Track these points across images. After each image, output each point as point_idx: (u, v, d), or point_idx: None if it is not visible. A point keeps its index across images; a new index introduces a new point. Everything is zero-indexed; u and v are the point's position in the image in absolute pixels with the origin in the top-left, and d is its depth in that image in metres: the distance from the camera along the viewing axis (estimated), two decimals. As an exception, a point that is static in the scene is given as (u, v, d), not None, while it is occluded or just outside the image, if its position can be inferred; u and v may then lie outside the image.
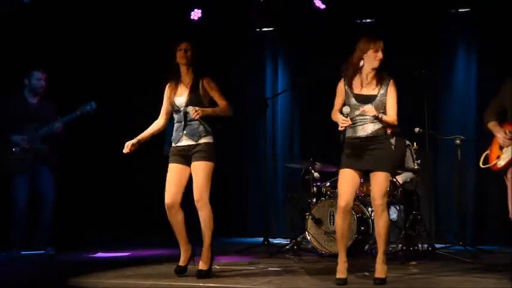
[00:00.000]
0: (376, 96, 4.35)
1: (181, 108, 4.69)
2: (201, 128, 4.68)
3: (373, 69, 4.39)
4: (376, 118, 4.28)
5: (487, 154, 4.34)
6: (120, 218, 7.21)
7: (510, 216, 4.09)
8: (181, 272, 4.68)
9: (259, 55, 8.05)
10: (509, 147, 4.12)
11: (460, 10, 7.00)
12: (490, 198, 6.74)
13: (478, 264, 5.30)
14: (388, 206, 5.98)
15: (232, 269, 5.09)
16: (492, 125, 4.27)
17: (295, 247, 6.06)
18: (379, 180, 4.33)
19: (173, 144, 4.75)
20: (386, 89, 4.36)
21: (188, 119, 4.67)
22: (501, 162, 4.17)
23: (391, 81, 4.39)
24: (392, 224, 6.06)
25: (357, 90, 4.41)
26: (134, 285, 4.48)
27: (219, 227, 7.42)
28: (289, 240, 6.47)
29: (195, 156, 4.65)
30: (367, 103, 4.31)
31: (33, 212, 6.02)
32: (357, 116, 4.38)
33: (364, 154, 4.35)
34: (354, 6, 7.13)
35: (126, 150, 4.72)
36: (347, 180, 4.38)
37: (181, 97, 4.71)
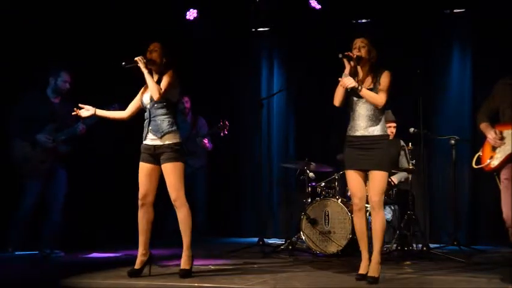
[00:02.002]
0: (372, 89, 4.43)
1: (147, 105, 4.74)
2: (165, 123, 4.69)
3: (366, 66, 4.48)
4: (356, 89, 4.36)
5: (480, 155, 4.37)
6: (115, 218, 7.19)
7: (503, 216, 4.11)
8: (134, 274, 4.67)
9: (254, 55, 8.06)
10: (502, 148, 4.14)
11: (454, 10, 7.02)
12: (484, 198, 6.77)
13: (472, 264, 5.33)
14: (383, 206, 6.04)
15: (227, 269, 5.10)
16: (484, 126, 4.30)
17: (290, 247, 6.07)
18: (377, 179, 4.41)
19: (143, 141, 4.79)
20: (379, 79, 4.44)
21: (152, 115, 4.71)
22: (494, 163, 4.19)
23: (385, 72, 4.47)
24: (387, 224, 6.10)
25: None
26: (128, 285, 4.48)
27: (213, 227, 7.54)
28: (284, 240, 6.49)
29: (162, 158, 4.69)
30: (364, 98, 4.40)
31: (41, 213, 6.04)
32: (356, 112, 4.46)
33: (362, 154, 4.43)
34: (349, 6, 7.15)
35: (79, 111, 4.87)
36: (353, 180, 4.51)
37: (147, 94, 4.76)
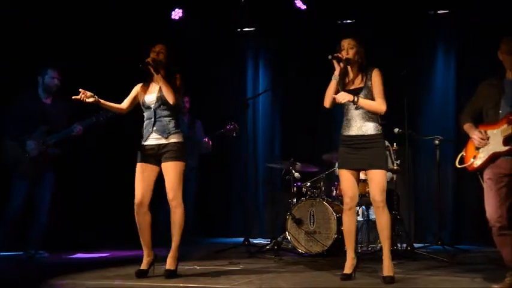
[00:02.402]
0: (362, 88, 4.46)
1: (152, 106, 4.72)
2: (171, 124, 4.71)
3: (355, 66, 4.51)
4: (352, 102, 4.38)
5: (463, 154, 4.40)
6: (100, 218, 7.17)
7: (487, 216, 4.14)
8: (142, 274, 4.68)
9: (240, 55, 8.07)
10: (485, 148, 4.17)
11: (439, 12, 7.07)
12: (468, 198, 6.83)
13: (456, 263, 5.37)
14: (368, 206, 6.07)
15: (213, 269, 5.10)
16: (468, 127, 4.33)
17: (276, 247, 6.08)
18: (377, 178, 4.43)
19: (142, 142, 4.76)
20: (370, 78, 4.47)
21: (158, 116, 4.70)
22: (477, 162, 4.21)
23: (375, 70, 4.50)
24: (371, 224, 6.15)
25: (346, 87, 4.53)
26: (114, 286, 4.46)
27: (200, 227, 7.53)
28: (269, 240, 6.50)
29: (165, 156, 4.68)
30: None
31: (28, 214, 6.01)
32: (349, 112, 4.50)
33: (358, 153, 4.45)
34: (334, 7, 7.18)
35: (80, 96, 4.68)
36: (347, 179, 4.52)
37: (151, 94, 4.75)
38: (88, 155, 7.20)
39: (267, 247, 6.23)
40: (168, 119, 4.71)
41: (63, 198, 6.78)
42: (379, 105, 4.43)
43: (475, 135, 4.20)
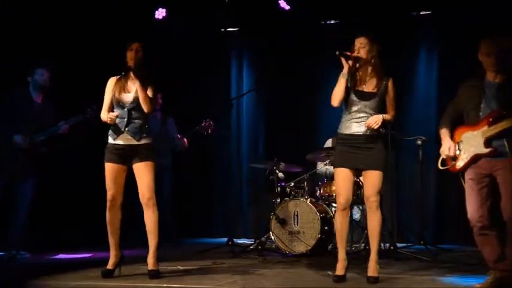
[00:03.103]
0: (375, 94, 4.43)
1: (127, 105, 4.70)
2: (144, 127, 4.72)
3: (367, 66, 4.46)
4: (383, 125, 4.43)
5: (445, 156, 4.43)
6: (82, 218, 7.13)
7: (468, 216, 4.19)
8: (108, 275, 4.68)
9: (224, 55, 8.06)
10: (467, 149, 4.21)
11: (421, 13, 7.12)
12: (450, 198, 6.87)
13: (438, 263, 5.42)
14: (351, 206, 6.10)
15: (196, 269, 5.10)
16: (443, 132, 4.36)
17: (260, 247, 6.09)
18: (373, 179, 4.43)
19: (111, 140, 4.73)
20: (386, 87, 4.46)
21: (132, 117, 4.68)
22: (459, 164, 4.26)
23: (390, 80, 4.49)
24: (355, 224, 6.18)
25: (357, 87, 4.48)
26: (96, 286, 4.45)
27: (183, 227, 7.51)
28: (253, 240, 6.51)
29: (137, 157, 4.68)
30: (367, 100, 4.41)
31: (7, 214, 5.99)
32: (354, 112, 4.45)
33: (357, 153, 4.43)
34: (318, 7, 7.19)
35: (111, 120, 4.65)
36: (343, 178, 4.48)
37: (129, 94, 4.72)
38: (72, 153, 7.14)
39: (251, 247, 6.24)
40: (141, 121, 4.71)
41: (46, 197, 6.74)
42: (392, 117, 4.50)
43: (445, 145, 4.26)
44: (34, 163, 6.00)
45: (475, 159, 4.16)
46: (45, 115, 5.99)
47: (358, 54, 4.41)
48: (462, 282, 4.43)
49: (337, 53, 4.39)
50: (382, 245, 5.90)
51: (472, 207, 4.15)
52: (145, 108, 4.65)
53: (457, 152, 4.27)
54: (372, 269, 4.41)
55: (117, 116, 4.67)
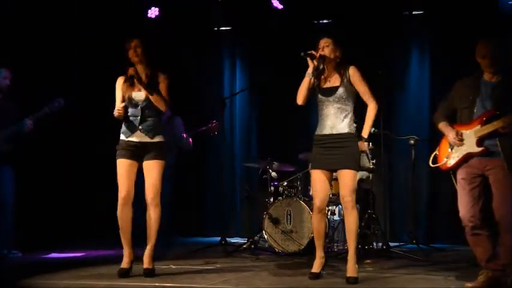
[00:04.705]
0: (338, 87, 4.48)
1: (140, 104, 4.71)
2: (157, 124, 4.74)
3: (332, 65, 4.53)
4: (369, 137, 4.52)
5: (436, 153, 4.45)
6: (74, 217, 7.11)
7: (460, 215, 4.20)
8: (125, 274, 4.65)
9: (216, 54, 8.05)
10: (459, 148, 4.23)
11: (413, 13, 7.14)
12: (442, 197, 6.89)
13: (430, 262, 5.45)
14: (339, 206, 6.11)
15: (189, 268, 5.10)
16: (443, 125, 4.38)
17: (253, 246, 6.10)
18: (347, 179, 4.45)
19: (124, 138, 4.73)
20: (348, 77, 4.49)
21: (145, 115, 4.69)
22: (451, 162, 4.27)
23: (351, 68, 4.53)
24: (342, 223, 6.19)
25: (322, 85, 4.55)
26: (89, 286, 4.44)
27: (176, 226, 7.50)
28: (246, 239, 6.51)
29: (148, 155, 4.68)
30: (331, 95, 4.47)
31: None
32: (324, 110, 4.51)
33: (330, 153, 4.47)
34: (311, 6, 7.20)
35: (119, 112, 4.65)
36: (319, 180, 4.52)
37: (140, 92, 4.72)
38: (63, 151, 7.13)
39: (244, 246, 6.24)
40: (155, 119, 4.73)
41: (37, 196, 6.72)
42: (373, 110, 4.51)
43: (451, 135, 4.26)
44: (4, 159, 5.91)
45: (466, 158, 4.18)
46: (6, 114, 5.92)
47: (322, 53, 4.49)
48: (454, 282, 4.45)
49: (301, 53, 4.50)
50: (374, 244, 5.95)
51: (464, 207, 4.17)
52: (161, 108, 4.70)
53: (449, 150, 4.29)
54: (351, 270, 4.42)
55: (124, 109, 4.66)
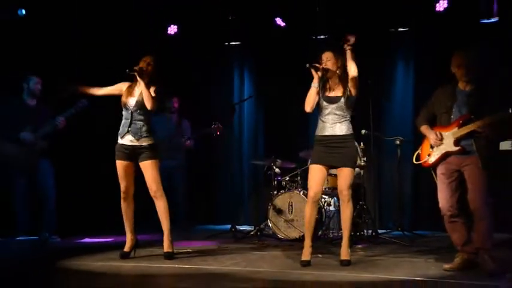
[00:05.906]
0: (341, 97, 4.48)
1: (131, 108, 4.75)
2: (144, 128, 4.74)
3: (335, 75, 4.52)
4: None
5: (419, 152, 4.48)
6: (105, 207, 7.12)
7: (439, 206, 4.23)
8: (125, 256, 4.75)
9: (227, 65, 8.08)
10: (439, 147, 4.26)
11: (399, 29, 7.14)
12: (424, 190, 6.87)
13: (414, 246, 5.46)
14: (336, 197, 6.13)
15: (204, 251, 5.14)
16: (424, 128, 4.40)
17: (259, 233, 6.13)
18: (346, 175, 4.46)
19: (119, 140, 4.79)
20: (349, 89, 4.48)
21: (134, 119, 4.73)
22: (431, 159, 4.30)
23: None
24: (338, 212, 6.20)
25: (326, 93, 4.54)
26: (116, 267, 4.49)
27: (193, 215, 7.53)
28: (253, 227, 6.54)
29: (141, 157, 4.73)
30: (334, 103, 4.47)
31: (37, 204, 5.99)
32: (326, 115, 4.51)
33: (331, 152, 4.46)
34: (310, 24, 7.23)
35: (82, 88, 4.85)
36: (316, 174, 4.51)
37: (133, 98, 4.77)
38: (92, 143, 7.07)
39: (251, 233, 6.26)
40: (141, 123, 4.74)
41: (72, 188, 6.71)
42: (354, 72, 4.46)
43: (431, 136, 4.29)
44: (43, 156, 5.97)
45: (445, 156, 4.21)
46: (40, 117, 5.97)
47: (326, 66, 4.48)
48: (434, 263, 4.48)
49: (307, 65, 4.46)
50: (365, 231, 5.97)
51: (443, 198, 4.20)
52: (148, 105, 4.67)
53: (430, 150, 4.31)
54: (344, 253, 4.45)
55: (82, 89, 4.85)
